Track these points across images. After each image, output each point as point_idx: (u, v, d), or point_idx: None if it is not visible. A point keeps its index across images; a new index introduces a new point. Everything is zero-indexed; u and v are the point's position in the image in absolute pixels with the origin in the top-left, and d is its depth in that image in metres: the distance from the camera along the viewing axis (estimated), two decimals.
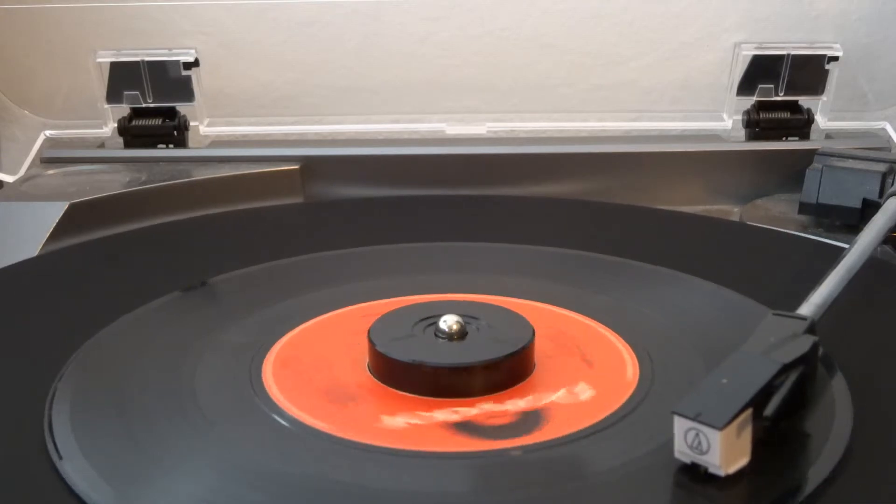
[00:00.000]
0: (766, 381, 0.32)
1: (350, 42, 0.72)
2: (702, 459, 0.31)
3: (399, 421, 0.36)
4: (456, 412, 0.36)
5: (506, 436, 0.34)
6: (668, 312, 0.44)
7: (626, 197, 0.65)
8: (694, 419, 0.31)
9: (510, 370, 0.38)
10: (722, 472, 0.31)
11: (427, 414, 0.36)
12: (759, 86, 0.70)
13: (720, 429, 0.30)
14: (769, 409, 0.32)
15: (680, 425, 0.31)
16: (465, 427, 0.35)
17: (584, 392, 0.37)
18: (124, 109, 0.70)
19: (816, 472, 0.32)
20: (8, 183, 0.67)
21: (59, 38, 0.71)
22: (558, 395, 0.37)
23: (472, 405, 0.36)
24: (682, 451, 0.31)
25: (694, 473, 0.31)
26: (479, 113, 0.73)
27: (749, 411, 0.31)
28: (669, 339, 0.42)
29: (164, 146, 0.70)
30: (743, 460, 0.31)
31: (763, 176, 0.66)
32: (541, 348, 0.40)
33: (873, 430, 0.34)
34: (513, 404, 0.37)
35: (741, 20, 0.70)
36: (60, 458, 0.33)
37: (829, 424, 0.34)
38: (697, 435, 0.31)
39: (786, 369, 0.33)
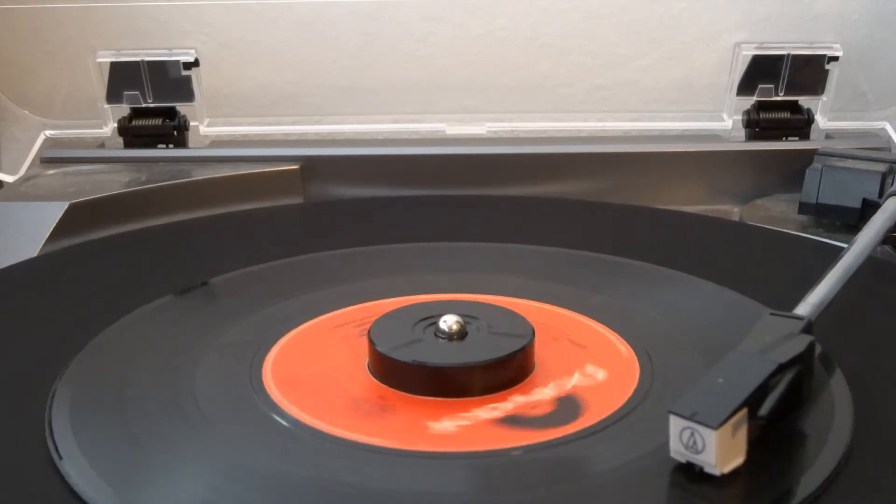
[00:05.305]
0: (762, 381, 0.32)
1: (350, 42, 0.72)
2: (697, 459, 0.31)
3: (399, 421, 0.36)
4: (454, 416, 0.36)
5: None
6: (668, 312, 0.44)
7: (626, 197, 0.65)
8: (689, 418, 0.31)
9: (511, 370, 0.38)
10: (717, 472, 0.31)
11: (427, 414, 0.36)
12: (759, 86, 0.70)
13: (715, 428, 0.30)
14: (765, 409, 0.32)
15: (675, 425, 0.31)
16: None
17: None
18: (124, 109, 0.70)
19: (815, 473, 0.32)
20: (8, 183, 0.67)
21: (59, 38, 0.71)
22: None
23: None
24: (678, 450, 0.31)
25: (690, 473, 0.31)
26: (479, 113, 0.73)
27: (744, 411, 0.31)
28: (669, 339, 0.42)
29: (164, 146, 0.70)
30: (738, 460, 0.31)
31: (763, 176, 0.66)
32: (541, 348, 0.40)
33: (872, 431, 0.34)
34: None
35: (741, 20, 0.70)
36: (60, 458, 0.33)
37: (828, 425, 0.35)
38: (693, 434, 0.31)
39: (782, 369, 0.33)
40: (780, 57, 0.69)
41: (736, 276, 0.48)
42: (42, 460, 0.33)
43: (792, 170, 0.64)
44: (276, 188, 0.66)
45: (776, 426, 0.33)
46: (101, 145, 0.71)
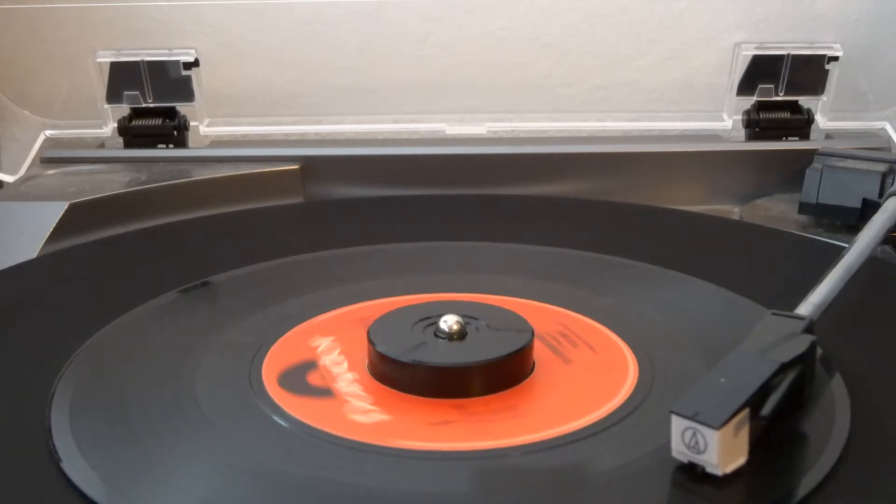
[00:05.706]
0: (764, 381, 0.32)
1: (350, 42, 0.72)
2: (699, 459, 0.31)
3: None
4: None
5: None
6: (668, 312, 0.44)
7: (626, 197, 0.65)
8: (691, 418, 0.31)
9: (510, 370, 0.38)
10: (719, 472, 0.31)
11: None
12: (759, 86, 0.70)
13: (717, 428, 0.30)
14: (767, 409, 0.32)
15: (677, 424, 0.31)
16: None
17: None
18: (124, 109, 0.71)
19: (815, 473, 0.32)
20: (8, 183, 0.67)
21: (59, 38, 0.71)
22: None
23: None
24: (680, 450, 0.31)
25: (692, 473, 0.31)
26: (479, 113, 0.73)
27: (746, 411, 0.31)
28: (669, 339, 0.42)
29: (164, 146, 0.70)
30: (741, 460, 0.31)
31: (763, 176, 0.66)
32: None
33: (871, 431, 0.34)
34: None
35: (741, 20, 0.70)
36: (60, 459, 0.33)
37: (828, 424, 0.35)
38: (695, 434, 0.31)
39: (784, 368, 0.33)
40: (780, 57, 0.69)
41: (736, 276, 0.48)
42: (42, 461, 0.33)
43: (792, 170, 0.64)
44: (276, 188, 0.66)
45: (777, 426, 0.33)
46: (101, 145, 0.71)
